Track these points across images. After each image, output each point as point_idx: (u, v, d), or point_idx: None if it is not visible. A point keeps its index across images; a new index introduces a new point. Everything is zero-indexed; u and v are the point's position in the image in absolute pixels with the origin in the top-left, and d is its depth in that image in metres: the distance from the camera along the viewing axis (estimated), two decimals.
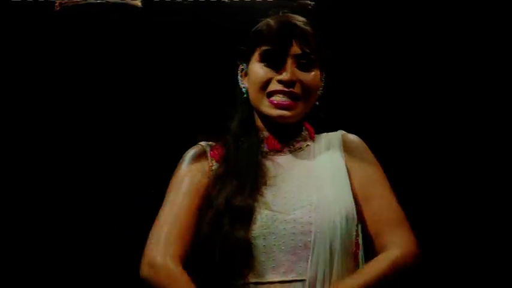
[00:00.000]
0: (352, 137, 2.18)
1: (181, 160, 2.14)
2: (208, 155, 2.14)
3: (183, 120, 2.94)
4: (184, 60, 3.04)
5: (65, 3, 2.89)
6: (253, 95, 2.13)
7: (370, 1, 3.07)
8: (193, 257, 2.05)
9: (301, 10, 2.59)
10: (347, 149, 2.14)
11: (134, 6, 2.90)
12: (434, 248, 3.06)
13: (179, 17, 2.90)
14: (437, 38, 3.12)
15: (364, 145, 2.16)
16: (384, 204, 2.09)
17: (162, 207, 2.09)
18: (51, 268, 3.03)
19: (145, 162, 3.05)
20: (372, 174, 2.12)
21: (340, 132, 2.19)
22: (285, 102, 2.08)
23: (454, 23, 3.11)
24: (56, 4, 2.88)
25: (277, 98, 2.08)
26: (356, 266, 2.05)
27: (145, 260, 2.03)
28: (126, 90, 3.07)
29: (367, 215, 2.08)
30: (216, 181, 2.08)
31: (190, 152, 2.15)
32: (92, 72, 3.05)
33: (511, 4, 3.05)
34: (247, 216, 2.02)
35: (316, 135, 2.21)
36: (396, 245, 2.03)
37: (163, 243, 2.02)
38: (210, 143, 2.17)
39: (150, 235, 2.06)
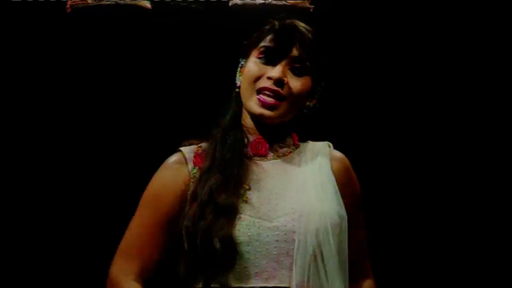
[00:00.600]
0: (340, 156, 2.20)
1: (157, 171, 2.15)
2: (190, 162, 2.14)
3: (191, 120, 2.93)
4: (194, 60, 3.06)
5: (76, 4, 2.96)
6: (243, 89, 2.15)
7: (368, 4, 3.07)
8: (173, 261, 2.08)
9: (302, 13, 2.59)
10: (335, 168, 2.16)
11: (143, 7, 2.95)
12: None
13: (187, 17, 2.92)
14: (435, 42, 3.11)
15: (351, 168, 2.20)
16: (360, 236, 2.18)
17: (132, 220, 2.14)
18: (55, 269, 3.06)
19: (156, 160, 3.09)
20: (356, 202, 2.18)
21: (327, 146, 2.21)
22: (269, 101, 2.09)
23: (452, 28, 3.09)
24: (67, 6, 2.96)
25: (264, 96, 2.09)
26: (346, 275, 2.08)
27: (108, 275, 2.12)
28: (136, 90, 3.09)
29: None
30: (202, 175, 2.09)
31: (168, 162, 2.16)
32: (102, 72, 3.07)
33: (510, 4, 3.03)
34: (231, 213, 2.02)
35: (300, 143, 2.21)
36: (369, 277, 2.23)
37: (124, 260, 2.09)
38: (194, 147, 2.17)
39: (117, 249, 2.13)
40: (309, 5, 2.79)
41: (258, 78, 2.11)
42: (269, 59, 2.12)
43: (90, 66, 3.07)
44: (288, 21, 2.17)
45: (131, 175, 2.93)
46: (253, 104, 2.11)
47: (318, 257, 2.02)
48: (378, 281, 2.26)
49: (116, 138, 3.10)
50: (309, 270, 2.01)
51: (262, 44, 2.14)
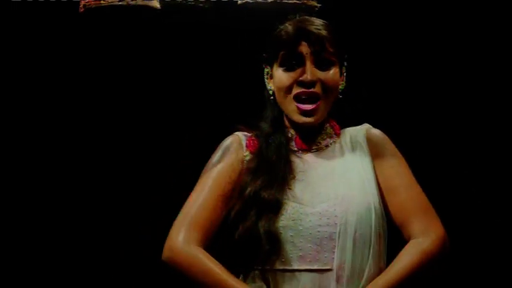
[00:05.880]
0: (375, 131, 2.28)
1: (217, 148, 2.26)
2: (244, 145, 2.25)
3: (207, 118, 3.06)
4: (205, 59, 3.14)
5: (89, 5, 3.02)
6: (279, 99, 2.25)
7: (373, 2, 3.14)
8: (221, 243, 2.19)
9: (308, 12, 2.66)
10: (371, 144, 2.25)
11: (154, 8, 3.02)
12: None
13: (197, 18, 2.97)
14: (439, 39, 3.19)
15: (387, 139, 2.27)
16: (409, 194, 2.19)
17: (192, 192, 2.21)
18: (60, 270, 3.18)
19: (169, 161, 3.18)
20: (395, 166, 2.23)
21: (365, 127, 2.30)
22: (308, 108, 2.20)
23: (459, 22, 3.17)
24: (80, 6, 3.01)
25: (302, 105, 2.20)
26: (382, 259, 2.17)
27: (167, 243, 2.15)
28: (148, 91, 3.17)
29: (393, 206, 2.19)
30: (248, 175, 2.20)
31: (227, 141, 2.27)
32: (114, 72, 3.15)
33: None
34: (275, 209, 2.14)
35: (341, 131, 2.32)
36: (425, 233, 2.15)
37: (187, 228, 2.15)
38: (246, 133, 2.28)
39: (177, 219, 2.18)
40: (315, 4, 2.85)
41: (290, 87, 2.22)
42: (293, 64, 2.22)
43: (102, 66, 3.14)
44: (298, 21, 2.25)
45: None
46: (293, 112, 2.23)
47: (358, 240, 2.13)
48: None
49: (115, 138, 3.20)
50: (349, 252, 2.11)
51: (282, 51, 2.23)
